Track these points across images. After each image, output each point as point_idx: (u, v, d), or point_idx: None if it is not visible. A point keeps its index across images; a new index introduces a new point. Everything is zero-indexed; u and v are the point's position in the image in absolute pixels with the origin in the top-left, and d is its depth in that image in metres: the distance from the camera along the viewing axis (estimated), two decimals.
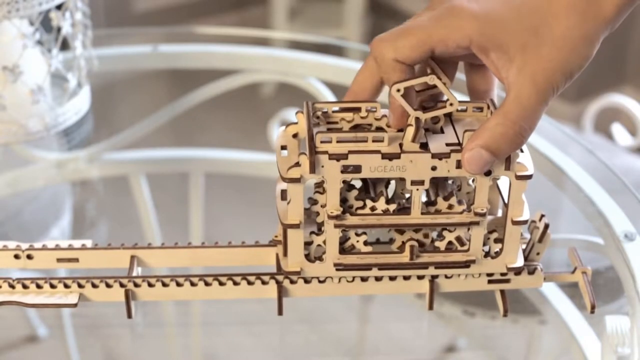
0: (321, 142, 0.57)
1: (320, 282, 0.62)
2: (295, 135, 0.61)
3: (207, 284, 0.63)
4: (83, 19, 0.87)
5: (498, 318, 1.09)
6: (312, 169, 0.57)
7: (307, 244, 0.61)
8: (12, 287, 0.63)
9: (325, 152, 0.57)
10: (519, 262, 0.61)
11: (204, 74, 1.09)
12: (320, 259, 0.61)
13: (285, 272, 0.62)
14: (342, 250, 0.61)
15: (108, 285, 0.62)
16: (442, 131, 0.59)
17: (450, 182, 0.63)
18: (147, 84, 1.43)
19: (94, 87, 0.92)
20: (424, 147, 0.57)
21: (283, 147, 0.61)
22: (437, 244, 0.61)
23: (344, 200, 0.59)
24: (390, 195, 0.62)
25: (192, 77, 1.14)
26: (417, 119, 0.57)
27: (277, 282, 0.62)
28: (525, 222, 0.60)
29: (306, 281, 0.62)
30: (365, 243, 0.61)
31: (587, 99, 2.06)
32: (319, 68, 1.05)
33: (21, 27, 0.83)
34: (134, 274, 0.64)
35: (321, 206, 0.60)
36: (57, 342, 1.44)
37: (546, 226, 0.62)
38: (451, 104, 0.57)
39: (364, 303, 1.37)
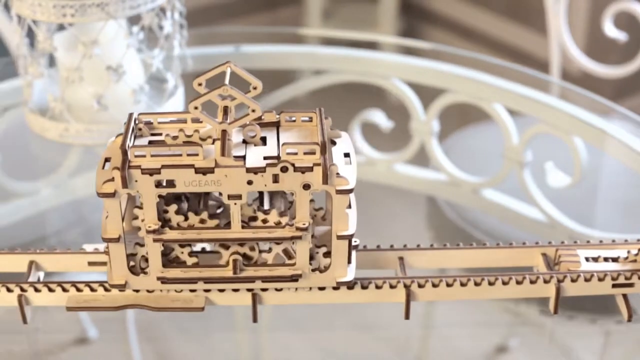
0: (135, 156, 0.56)
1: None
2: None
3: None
4: (180, 18, 0.87)
5: (575, 318, 1.08)
6: (125, 184, 0.56)
7: (134, 255, 0.60)
8: None
9: (138, 167, 0.56)
10: (349, 276, 0.60)
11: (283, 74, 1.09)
12: (145, 271, 0.60)
13: (110, 285, 0.61)
14: (168, 262, 0.60)
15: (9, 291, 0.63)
16: (264, 143, 0.58)
17: (289, 193, 0.61)
18: None
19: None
20: (243, 160, 0.57)
21: (107, 159, 0.59)
22: (264, 255, 0.60)
23: (166, 212, 0.58)
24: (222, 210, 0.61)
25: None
26: (224, 132, 0.56)
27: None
28: (350, 236, 0.59)
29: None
30: (191, 254, 0.60)
31: None
32: (400, 68, 1.05)
33: (124, 27, 0.82)
34: (32, 279, 0.64)
35: (141, 220, 0.59)
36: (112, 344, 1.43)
37: None
38: (253, 111, 0.56)
39: (423, 307, 1.37)
